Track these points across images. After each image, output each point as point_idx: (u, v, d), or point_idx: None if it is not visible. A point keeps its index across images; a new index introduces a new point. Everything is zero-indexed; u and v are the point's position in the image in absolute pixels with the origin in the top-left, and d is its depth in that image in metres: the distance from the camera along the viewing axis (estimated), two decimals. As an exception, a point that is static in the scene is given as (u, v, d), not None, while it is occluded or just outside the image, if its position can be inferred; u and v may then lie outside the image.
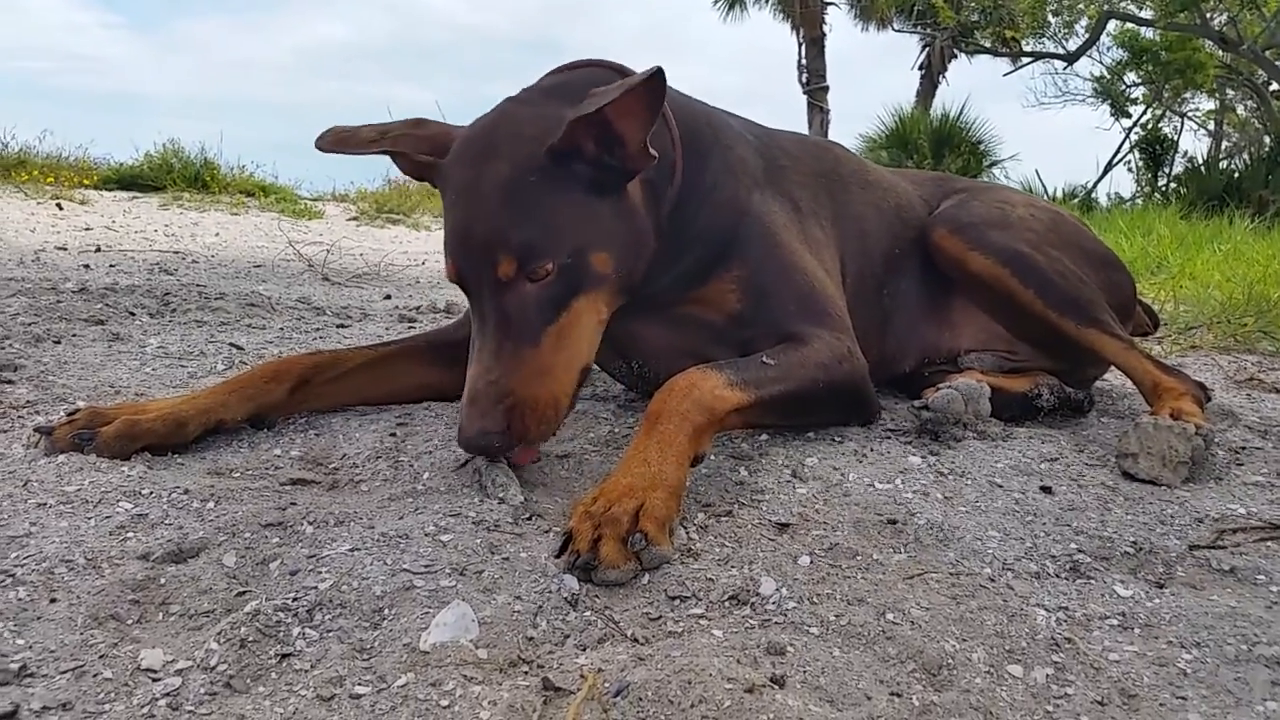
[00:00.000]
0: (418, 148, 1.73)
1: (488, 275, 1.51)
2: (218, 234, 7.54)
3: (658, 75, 1.44)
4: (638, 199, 1.68)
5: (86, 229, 6.89)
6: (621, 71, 1.79)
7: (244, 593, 1.20)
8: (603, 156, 1.56)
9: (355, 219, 10.84)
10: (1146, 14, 19.34)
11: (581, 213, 1.57)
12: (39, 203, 8.63)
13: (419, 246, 8.29)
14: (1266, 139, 19.21)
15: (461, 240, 1.57)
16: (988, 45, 22.70)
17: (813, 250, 1.95)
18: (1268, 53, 17.80)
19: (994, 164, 19.02)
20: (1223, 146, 23.72)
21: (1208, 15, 17.69)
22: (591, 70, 1.81)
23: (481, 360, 1.50)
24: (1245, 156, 19.71)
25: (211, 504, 1.44)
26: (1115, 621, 1.20)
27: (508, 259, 1.50)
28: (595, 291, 1.59)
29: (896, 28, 23.13)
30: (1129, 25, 20.82)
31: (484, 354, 1.50)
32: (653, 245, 1.73)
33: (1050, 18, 21.69)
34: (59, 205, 8.49)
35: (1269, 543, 1.44)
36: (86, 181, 11.28)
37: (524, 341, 1.50)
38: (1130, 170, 22.04)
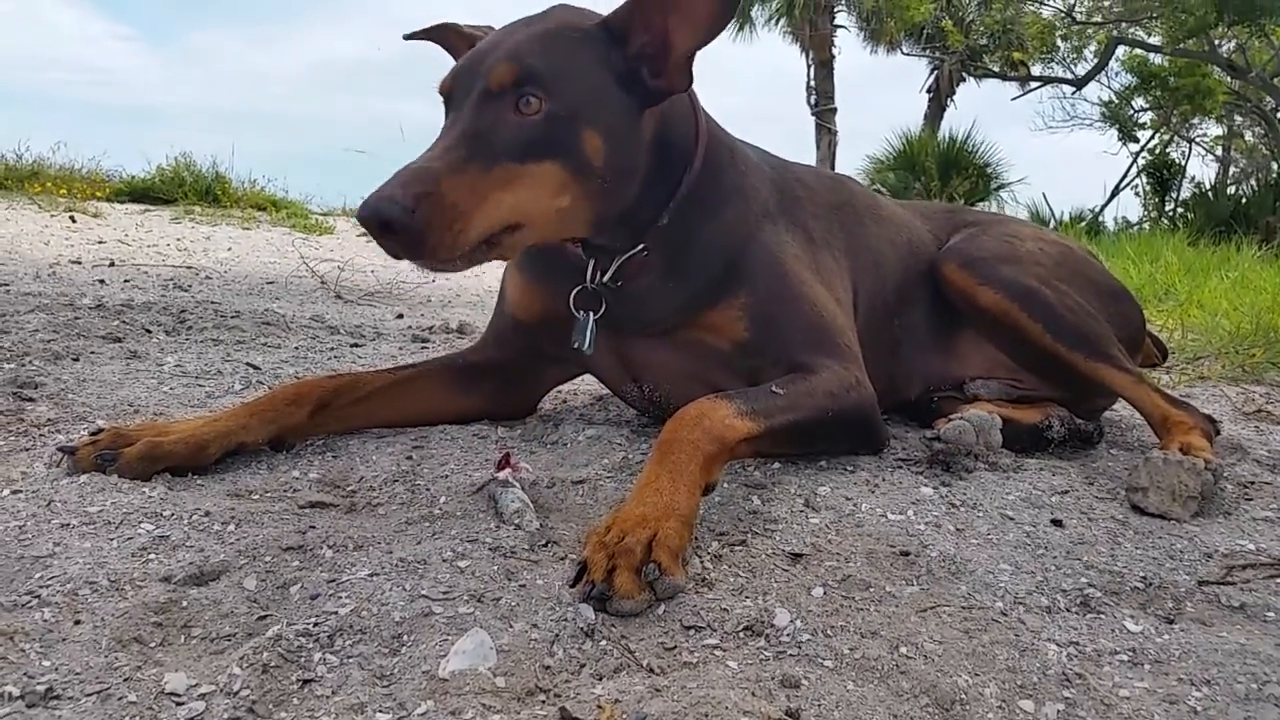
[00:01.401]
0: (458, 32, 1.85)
1: (480, 84, 1.51)
2: (230, 249, 7.59)
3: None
4: (649, 134, 1.70)
5: (100, 242, 6.94)
6: None
7: (265, 617, 1.22)
8: (644, 57, 1.58)
9: (366, 234, 10.89)
10: (1155, 40, 19.42)
11: (598, 87, 1.57)
12: (52, 215, 8.70)
13: (429, 264, 8.31)
14: (1274, 165, 19.24)
15: (474, 57, 1.57)
16: (996, 69, 22.80)
17: (824, 280, 1.97)
18: (1276, 80, 17.85)
19: (1001, 187, 19.07)
20: (1230, 172, 23.77)
21: (1216, 42, 17.76)
22: None
23: (428, 153, 1.47)
24: (1253, 182, 19.75)
25: (232, 526, 1.46)
26: (1125, 657, 1.21)
27: (508, 67, 1.50)
28: (568, 170, 1.56)
29: (905, 51, 23.24)
30: (1138, 51, 20.90)
31: (434, 148, 1.48)
32: (634, 190, 1.72)
33: (1059, 42, 21.79)
34: (72, 218, 8.56)
35: (1278, 579, 1.45)
36: (99, 194, 11.38)
37: (477, 157, 1.47)
38: (1138, 195, 22.11)
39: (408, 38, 1.93)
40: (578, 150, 1.55)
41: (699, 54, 1.61)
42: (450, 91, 1.57)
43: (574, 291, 1.84)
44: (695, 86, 1.71)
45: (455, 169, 1.44)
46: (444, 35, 1.88)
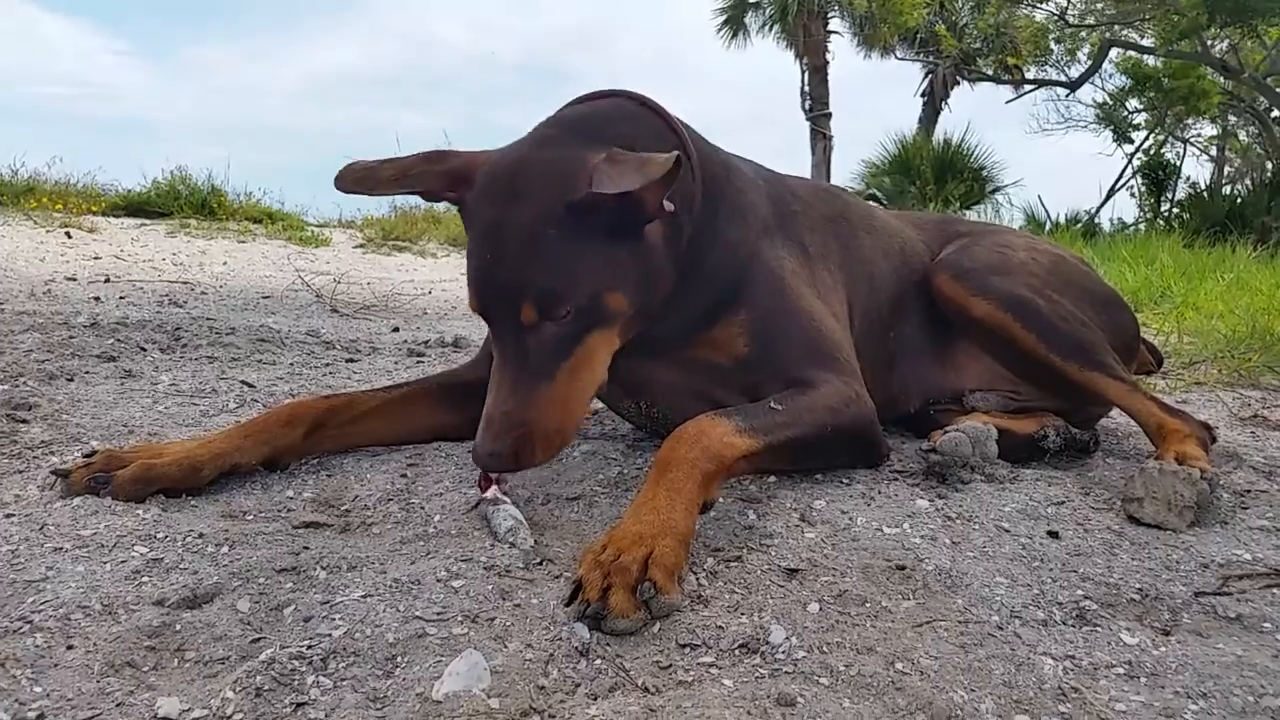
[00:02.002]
0: (441, 184, 1.74)
1: (509, 317, 1.58)
2: (225, 263, 7.59)
3: (677, 163, 1.48)
4: (657, 236, 1.71)
5: (95, 258, 6.94)
6: (644, 103, 1.84)
7: (259, 640, 1.21)
8: (626, 208, 1.59)
9: (362, 246, 10.88)
10: (1148, 42, 19.48)
11: (599, 258, 1.61)
12: (48, 231, 8.69)
13: (426, 275, 8.34)
14: (1269, 165, 19.28)
15: (485, 279, 1.63)
16: (990, 72, 22.85)
17: (821, 295, 1.97)
18: (1269, 80, 17.90)
19: (996, 190, 19.11)
20: (1225, 172, 23.80)
21: (1209, 43, 17.80)
22: (615, 102, 1.84)
23: (500, 391, 1.59)
24: (1248, 182, 19.78)
25: (225, 548, 1.46)
26: (1121, 670, 1.21)
27: (529, 306, 1.56)
28: (610, 327, 1.65)
29: (899, 55, 23.31)
30: (1131, 53, 20.95)
31: (502, 387, 1.59)
32: (671, 278, 1.77)
33: (1053, 45, 21.84)
34: (68, 234, 8.55)
35: (1275, 589, 1.45)
36: (94, 208, 11.35)
37: (540, 377, 1.57)
38: (1133, 196, 22.12)
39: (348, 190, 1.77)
40: (609, 312, 1.64)
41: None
42: (483, 312, 1.66)
43: None
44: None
45: (529, 399, 1.57)
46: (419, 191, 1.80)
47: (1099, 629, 1.32)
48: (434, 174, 1.74)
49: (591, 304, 1.60)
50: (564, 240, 1.58)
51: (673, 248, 1.77)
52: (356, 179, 1.75)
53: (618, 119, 1.78)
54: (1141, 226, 17.67)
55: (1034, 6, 20.39)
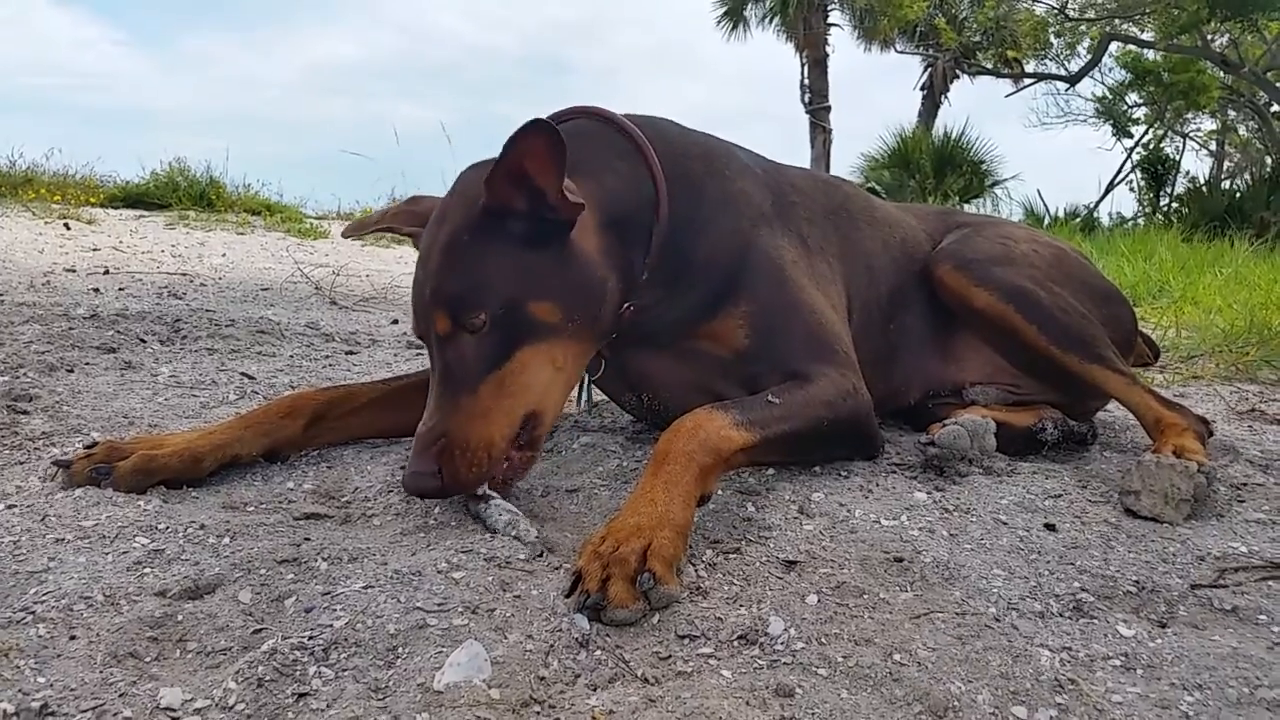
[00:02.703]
0: (409, 222, 1.88)
1: (431, 330, 1.60)
2: (224, 254, 7.58)
3: (532, 127, 1.50)
4: (591, 246, 1.68)
5: (94, 249, 6.93)
6: (602, 117, 1.84)
7: (260, 630, 1.22)
8: (535, 210, 1.59)
9: (360, 240, 10.87)
10: (1148, 36, 19.46)
11: (515, 265, 1.60)
12: (46, 222, 8.69)
13: (424, 267, 8.30)
14: (1268, 160, 19.28)
15: (416, 299, 1.67)
16: (990, 66, 22.83)
17: (820, 287, 1.97)
18: (1269, 74, 17.89)
19: (996, 184, 19.09)
20: (1224, 167, 23.80)
21: (1209, 38, 17.79)
22: (576, 123, 1.84)
23: (429, 410, 1.59)
24: (1247, 177, 19.78)
25: (227, 539, 1.47)
26: (1118, 662, 1.22)
27: (440, 314, 1.58)
28: (544, 340, 1.60)
29: (899, 49, 23.28)
30: (1131, 47, 20.93)
31: (429, 403, 1.59)
32: (619, 289, 1.72)
33: (1052, 39, 21.82)
34: (66, 225, 8.55)
35: (1270, 582, 1.46)
36: (93, 200, 11.36)
37: (461, 389, 1.56)
38: (1132, 190, 22.15)
39: (346, 236, 2.15)
40: (537, 324, 1.60)
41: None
42: (419, 336, 1.69)
43: None
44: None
45: (449, 411, 1.56)
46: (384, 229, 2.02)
47: (1096, 621, 1.32)
48: (406, 213, 1.91)
49: (510, 313, 1.57)
50: (476, 245, 1.60)
51: (632, 251, 1.75)
52: (355, 226, 2.08)
53: (575, 137, 1.72)
54: (1140, 221, 17.68)
55: (1034, 0, 20.35)
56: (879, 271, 2.21)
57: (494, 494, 1.61)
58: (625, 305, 1.75)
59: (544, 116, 1.83)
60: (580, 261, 1.66)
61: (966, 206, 16.49)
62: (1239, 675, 1.19)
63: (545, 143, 1.51)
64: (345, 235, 2.10)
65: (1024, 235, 2.33)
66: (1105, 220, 17.76)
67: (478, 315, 1.55)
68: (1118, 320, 2.30)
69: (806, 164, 21.23)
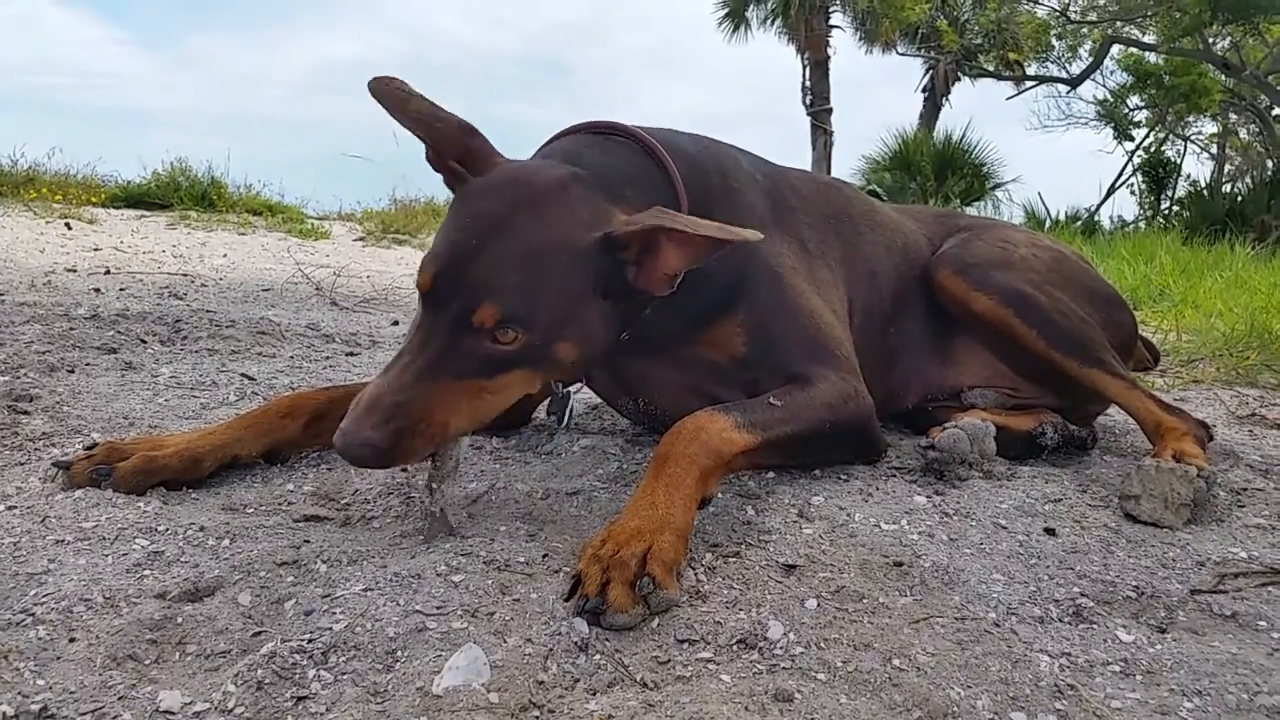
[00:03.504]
0: (456, 152, 1.64)
1: (461, 310, 1.46)
2: (225, 255, 7.59)
3: (728, 236, 1.47)
4: (623, 309, 1.65)
5: (95, 249, 6.94)
6: (636, 138, 1.78)
7: (260, 633, 1.22)
8: (629, 267, 1.55)
9: (361, 239, 10.91)
10: (1150, 39, 19.46)
11: (579, 307, 1.54)
12: (47, 222, 8.70)
13: (425, 268, 8.31)
14: (1269, 163, 19.28)
15: (453, 259, 1.50)
16: (991, 69, 22.83)
17: (820, 291, 1.97)
18: (1270, 78, 17.89)
19: (997, 186, 19.08)
20: (1225, 170, 23.79)
21: (1210, 41, 17.79)
22: (625, 154, 1.77)
23: (402, 375, 1.45)
24: (1248, 180, 19.78)
25: (227, 541, 1.47)
26: (1117, 668, 1.22)
27: (491, 311, 1.45)
28: (539, 369, 1.55)
29: (900, 51, 23.28)
30: (1132, 49, 20.94)
31: (408, 371, 1.45)
32: (609, 346, 1.68)
33: (1054, 41, 21.82)
34: (68, 225, 8.56)
35: (1270, 587, 1.46)
36: (94, 199, 11.37)
37: (445, 372, 1.46)
38: (1133, 193, 22.14)
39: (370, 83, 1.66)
40: (551, 359, 1.54)
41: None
42: (429, 293, 1.51)
43: None
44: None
45: (428, 395, 1.45)
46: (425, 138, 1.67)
47: (1095, 626, 1.32)
48: (456, 139, 1.64)
49: (543, 344, 1.50)
50: (567, 271, 1.51)
51: (632, 316, 1.70)
52: (385, 93, 1.64)
53: (631, 176, 1.70)
54: (1142, 224, 17.69)
55: (1036, 3, 20.37)
56: (880, 276, 2.21)
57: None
58: (623, 333, 1.71)
59: (585, 132, 1.80)
60: (612, 318, 1.62)
61: (967, 209, 16.49)
62: (1238, 681, 1.19)
63: (713, 247, 1.51)
64: (373, 95, 1.64)
65: (1024, 239, 2.33)
66: (1106, 223, 17.80)
67: (519, 332, 1.47)
68: (1118, 324, 2.30)
69: (808, 166, 21.25)
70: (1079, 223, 16.11)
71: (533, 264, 1.49)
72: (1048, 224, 15.83)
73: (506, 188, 1.57)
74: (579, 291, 1.53)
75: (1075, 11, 20.30)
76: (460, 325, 1.46)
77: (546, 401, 1.94)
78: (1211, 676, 1.20)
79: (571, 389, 1.88)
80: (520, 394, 1.58)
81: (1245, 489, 1.95)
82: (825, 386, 1.78)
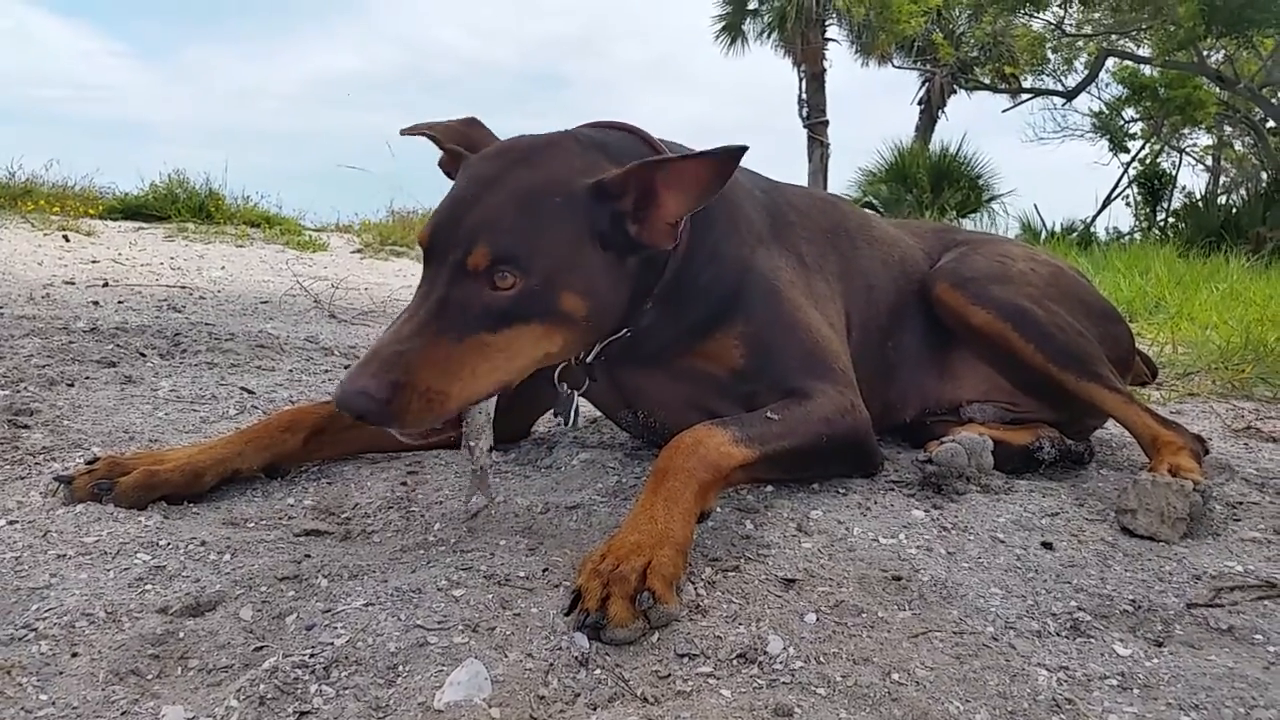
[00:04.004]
0: (451, 136, 1.76)
1: (457, 257, 1.49)
2: (223, 267, 7.59)
3: (737, 153, 1.48)
4: (631, 268, 1.67)
5: (93, 261, 6.93)
6: (647, 140, 1.81)
7: (262, 648, 1.23)
8: (628, 217, 1.58)
9: (359, 251, 10.90)
10: (1145, 52, 19.57)
11: (578, 252, 1.56)
12: (45, 234, 8.69)
13: (423, 280, 8.31)
14: (1264, 175, 19.36)
15: (451, 212, 1.55)
16: (987, 81, 22.94)
17: (817, 305, 1.98)
18: (1264, 91, 17.99)
19: (993, 199, 19.16)
20: (1220, 182, 23.89)
21: (1205, 54, 17.89)
22: (623, 135, 1.81)
23: (400, 330, 1.46)
24: (1243, 192, 19.87)
25: (228, 556, 1.47)
26: (1115, 682, 1.22)
27: (484, 250, 1.47)
28: (551, 326, 1.54)
29: (896, 64, 23.38)
30: (1127, 62, 21.05)
31: (406, 325, 1.46)
32: (626, 310, 1.72)
33: (1050, 54, 21.94)
34: (66, 237, 8.55)
35: (1265, 601, 1.47)
36: (92, 211, 11.36)
37: (449, 332, 1.46)
38: (1129, 205, 22.24)
39: (403, 133, 1.86)
40: (557, 310, 1.54)
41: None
42: (429, 248, 1.55)
43: (558, 369, 1.81)
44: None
45: (427, 349, 1.44)
46: (424, 133, 1.80)
47: (1093, 640, 1.33)
48: (453, 129, 1.79)
49: (542, 290, 1.51)
50: (560, 214, 1.54)
51: (644, 279, 1.73)
52: (413, 129, 1.82)
53: (630, 153, 1.73)
54: (1137, 235, 17.75)
55: (1031, 16, 20.46)
56: (878, 290, 2.22)
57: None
58: (624, 330, 1.74)
59: (586, 124, 1.83)
60: (618, 275, 1.65)
61: (964, 221, 16.54)
62: (1235, 695, 1.19)
63: (719, 172, 1.52)
64: (403, 133, 1.84)
65: (1021, 253, 2.34)
66: (1102, 235, 17.84)
67: (516, 275, 1.48)
68: (1115, 338, 2.32)
69: (804, 177, 21.33)
70: (1074, 234, 16.15)
71: (525, 206, 1.53)
72: (1043, 236, 15.88)
73: (504, 151, 1.66)
74: (575, 236, 1.56)
75: (1070, 25, 20.42)
76: (458, 273, 1.48)
77: (553, 411, 1.95)
78: (1208, 690, 1.20)
79: (577, 390, 1.88)
80: (535, 355, 1.56)
81: (1241, 503, 1.96)
82: (823, 400, 1.79)
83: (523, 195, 1.54)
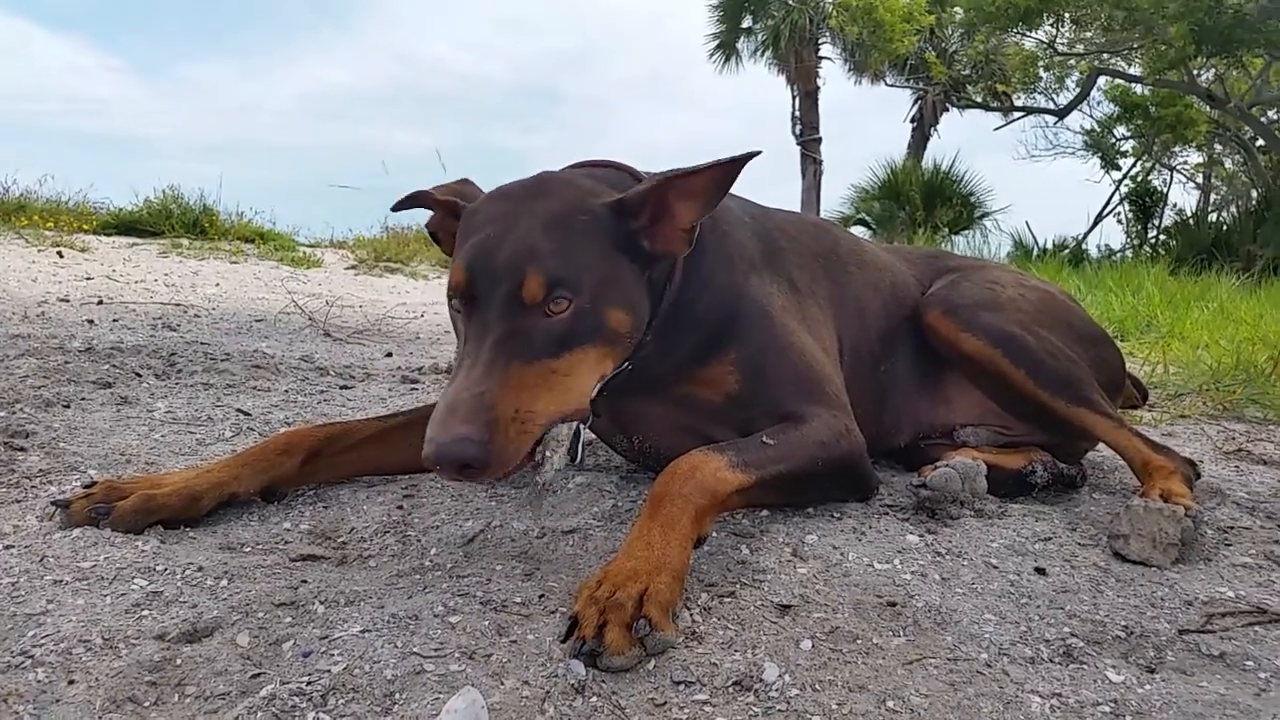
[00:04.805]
0: (441, 191, 1.81)
1: (507, 291, 1.49)
2: (218, 284, 7.59)
3: (743, 160, 1.55)
4: (647, 283, 1.73)
5: (88, 278, 6.93)
6: (633, 174, 1.85)
7: (259, 675, 1.22)
8: (646, 230, 1.65)
9: (354, 267, 10.90)
10: (1136, 71, 19.70)
11: (614, 268, 1.62)
12: (40, 250, 8.68)
13: (418, 297, 8.35)
14: (1254, 193, 19.47)
15: (488, 252, 1.54)
16: (979, 99, 23.06)
17: (810, 329, 1.99)
18: (1253, 109, 18.12)
19: (985, 215, 19.25)
20: (1211, 200, 24.02)
21: (1195, 73, 18.02)
22: (609, 171, 1.86)
23: (470, 372, 1.44)
24: (1233, 210, 19.98)
25: (225, 581, 1.47)
26: (1107, 709, 1.23)
27: (537, 279, 1.49)
28: (603, 347, 1.60)
29: (889, 82, 23.51)
30: (1119, 81, 21.18)
31: (475, 366, 1.44)
32: (645, 325, 1.75)
33: (1041, 73, 22.06)
34: (60, 253, 8.55)
35: (1256, 627, 1.48)
36: (86, 227, 11.35)
37: (521, 360, 1.46)
38: (1120, 222, 22.35)
39: (395, 209, 1.87)
40: (607, 329, 1.59)
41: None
42: (468, 292, 1.53)
43: None
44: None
45: (507, 380, 1.44)
46: (425, 201, 1.82)
47: (1085, 666, 1.34)
48: (446, 188, 1.85)
49: (593, 310, 1.55)
50: (591, 233, 1.60)
51: (654, 294, 1.77)
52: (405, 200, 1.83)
53: (621, 186, 1.77)
54: (1129, 253, 17.83)
55: (1023, 35, 20.60)
56: (869, 315, 2.24)
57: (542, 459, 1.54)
58: (624, 363, 1.75)
59: (570, 166, 1.88)
60: (644, 289, 1.71)
61: (956, 238, 16.61)
62: (1226, 722, 1.20)
63: (726, 181, 1.59)
64: (394, 209, 1.86)
65: (1011, 279, 2.36)
66: (1094, 252, 17.92)
67: (568, 297, 1.52)
68: (1105, 362, 2.33)
69: (798, 195, 21.41)
70: (1066, 252, 16.21)
71: (558, 231, 1.57)
72: (1035, 253, 15.94)
73: (509, 190, 1.71)
74: (607, 252, 1.61)
75: (1062, 44, 20.55)
76: (512, 306, 1.49)
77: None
78: (1200, 717, 1.21)
79: (584, 424, 1.88)
80: (594, 379, 1.60)
81: (1232, 527, 1.97)
82: (817, 424, 1.80)
83: (551, 221, 1.58)
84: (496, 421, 1.38)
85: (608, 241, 1.61)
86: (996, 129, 24.26)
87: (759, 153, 1.57)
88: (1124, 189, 22.71)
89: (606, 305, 1.58)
